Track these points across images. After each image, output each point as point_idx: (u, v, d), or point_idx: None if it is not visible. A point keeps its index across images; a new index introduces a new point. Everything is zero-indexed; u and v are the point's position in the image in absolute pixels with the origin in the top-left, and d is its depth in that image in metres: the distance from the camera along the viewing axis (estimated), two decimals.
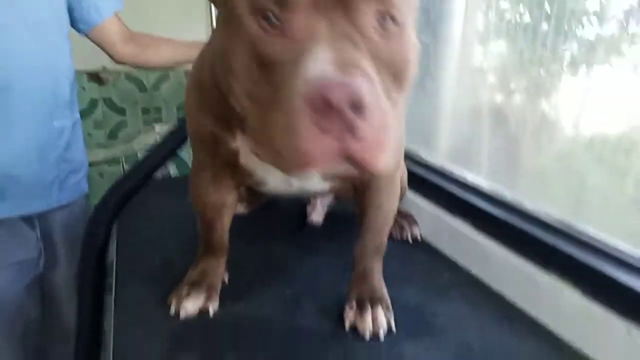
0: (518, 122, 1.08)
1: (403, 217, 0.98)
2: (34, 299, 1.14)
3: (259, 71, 0.42)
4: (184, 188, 0.78)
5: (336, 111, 0.36)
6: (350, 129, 0.37)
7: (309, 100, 0.37)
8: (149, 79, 2.18)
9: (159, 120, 2.27)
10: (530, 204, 0.80)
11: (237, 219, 0.79)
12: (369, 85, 0.38)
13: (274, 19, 0.41)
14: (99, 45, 1.26)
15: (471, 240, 0.84)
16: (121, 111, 2.17)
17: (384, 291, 0.70)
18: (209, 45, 0.60)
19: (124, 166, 1.44)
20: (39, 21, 1.02)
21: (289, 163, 0.40)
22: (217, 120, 0.60)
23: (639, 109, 0.71)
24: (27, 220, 1.09)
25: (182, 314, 0.69)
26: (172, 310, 0.70)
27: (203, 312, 0.70)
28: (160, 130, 1.44)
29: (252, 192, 0.97)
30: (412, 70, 0.47)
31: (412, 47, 0.47)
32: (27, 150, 1.03)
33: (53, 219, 1.13)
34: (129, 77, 2.12)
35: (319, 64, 0.38)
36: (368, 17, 0.42)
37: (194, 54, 1.39)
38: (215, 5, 0.50)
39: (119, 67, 1.59)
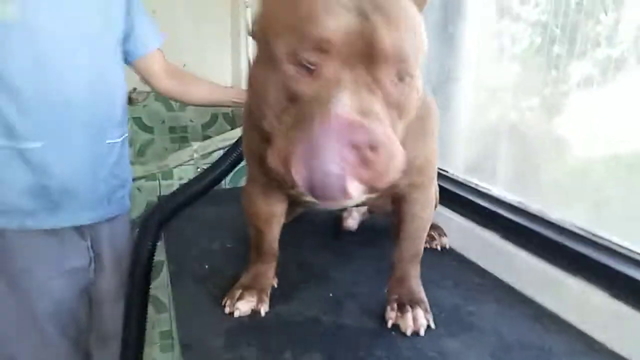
0: (533, 139, 1.15)
1: (433, 228, 1.04)
2: (83, 305, 1.21)
3: (287, 102, 0.51)
4: (228, 198, 0.85)
5: (355, 147, 0.45)
6: (364, 163, 0.45)
7: (336, 133, 0.45)
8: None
9: (185, 138, 2.37)
10: (552, 214, 0.86)
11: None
12: (382, 129, 0.47)
13: (308, 65, 0.49)
14: (142, 76, 1.35)
15: (497, 248, 0.90)
16: (150, 130, 2.28)
17: (422, 294, 0.76)
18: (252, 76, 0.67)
19: (160, 182, 1.51)
20: (95, 39, 1.10)
21: (315, 189, 0.47)
22: (262, 140, 0.66)
23: None
24: (79, 230, 1.16)
25: (236, 314, 0.75)
26: (227, 310, 0.76)
27: (255, 312, 0.76)
28: (197, 147, 1.51)
29: (291, 204, 1.04)
30: (414, 106, 0.56)
31: (417, 91, 0.56)
32: (82, 165, 1.11)
33: (101, 231, 1.20)
34: (157, 97, 2.23)
35: (346, 106, 0.46)
36: (388, 74, 0.50)
37: (228, 97, 1.47)
38: (256, 44, 0.58)
39: (148, 88, 1.68)
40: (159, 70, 1.33)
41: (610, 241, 0.76)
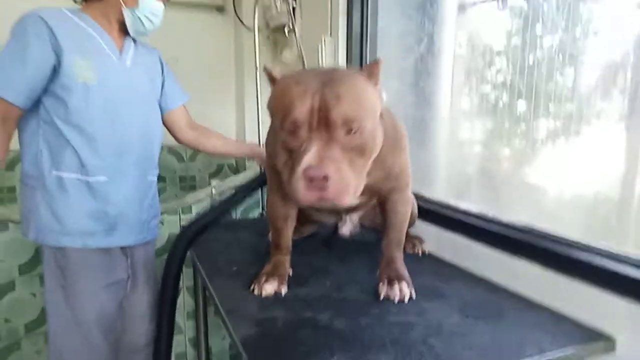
0: (503, 184, 1.38)
1: (414, 237, 1.29)
2: (120, 316, 1.40)
3: (285, 153, 0.82)
4: (239, 226, 1.09)
5: (315, 180, 0.74)
6: (322, 188, 0.74)
7: (302, 175, 0.74)
8: (186, 152, 2.57)
9: (193, 187, 2.63)
10: (506, 217, 1.12)
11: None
12: (332, 166, 0.75)
13: (292, 130, 0.79)
14: (167, 127, 1.61)
15: (463, 246, 1.15)
16: (162, 179, 2.54)
17: (406, 272, 1.00)
18: (269, 132, 0.99)
19: (180, 216, 1.75)
20: (146, 98, 1.41)
21: (296, 198, 0.77)
22: (276, 168, 0.94)
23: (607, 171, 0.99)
24: (123, 250, 1.39)
25: (263, 294, 0.98)
26: (256, 291, 0.99)
27: (277, 292, 0.99)
28: (215, 185, 1.77)
29: (302, 223, 1.30)
30: (369, 147, 0.82)
31: (369, 137, 0.81)
32: (133, 195, 1.37)
33: (138, 252, 1.44)
34: (170, 150, 2.51)
35: (309, 158, 0.75)
36: (340, 131, 0.77)
37: (240, 151, 1.74)
38: (270, 116, 0.90)
39: (162, 142, 1.95)
40: (183, 123, 1.60)
41: (543, 230, 1.01)
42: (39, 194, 1.27)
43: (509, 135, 1.35)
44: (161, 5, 1.38)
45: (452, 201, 1.33)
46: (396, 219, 1.03)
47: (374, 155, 0.85)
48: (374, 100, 0.84)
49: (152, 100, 1.45)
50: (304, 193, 0.76)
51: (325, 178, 0.74)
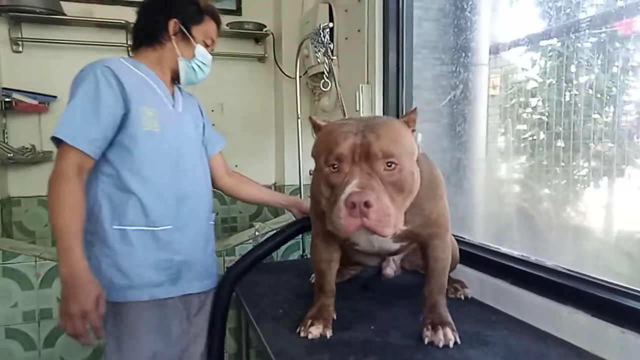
0: (544, 224, 1.36)
1: (456, 282, 1.29)
2: None
3: (329, 189, 0.88)
4: (280, 268, 1.13)
5: (357, 207, 0.79)
6: (363, 214, 0.79)
7: (345, 202, 0.80)
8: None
9: (234, 228, 2.71)
10: (548, 262, 1.11)
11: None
12: (373, 194, 0.80)
13: (335, 166, 0.86)
14: None
15: (508, 293, 1.15)
16: None
17: (449, 317, 1.01)
18: (313, 179, 1.03)
19: (225, 258, 1.82)
20: (198, 145, 1.47)
21: (338, 230, 0.82)
22: (320, 210, 0.99)
23: None
24: (182, 299, 1.36)
25: (309, 337, 1.01)
26: (302, 334, 1.02)
27: (322, 336, 1.01)
28: (259, 227, 1.83)
29: (345, 265, 1.33)
30: (408, 184, 0.86)
31: (407, 174, 0.86)
32: (197, 242, 1.39)
33: (195, 302, 1.41)
34: (214, 194, 2.61)
35: (351, 187, 0.81)
36: (380, 164, 0.84)
37: (274, 200, 1.79)
38: (314, 161, 0.95)
39: None
40: (221, 169, 1.64)
41: (591, 276, 1.01)
42: (97, 250, 1.25)
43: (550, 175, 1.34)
44: (211, 57, 1.46)
45: (493, 244, 1.33)
46: (437, 265, 1.04)
47: (412, 195, 0.89)
48: (412, 143, 0.91)
49: (201, 146, 1.50)
50: (345, 222, 0.80)
51: (367, 204, 0.78)
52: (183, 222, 1.35)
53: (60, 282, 1.11)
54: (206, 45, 1.43)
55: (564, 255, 1.22)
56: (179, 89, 1.49)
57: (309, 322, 1.04)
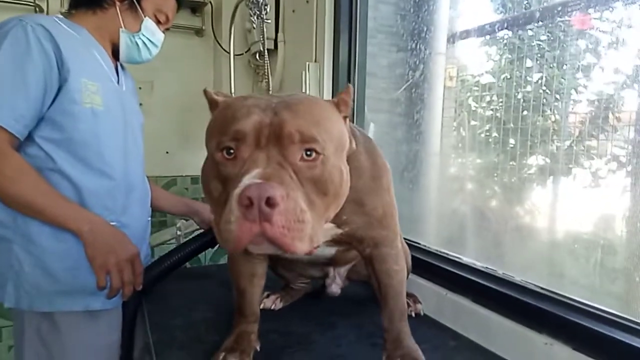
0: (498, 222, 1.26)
1: (408, 296, 1.09)
2: None
3: (219, 185, 0.61)
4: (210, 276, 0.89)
5: (254, 206, 0.52)
6: (265, 217, 0.52)
7: (238, 199, 0.53)
8: (159, 183, 2.36)
9: (164, 222, 2.41)
10: (518, 277, 0.93)
11: None
12: (282, 188, 0.54)
13: (231, 151, 0.60)
14: None
15: (471, 312, 0.96)
16: None
17: (419, 352, 0.79)
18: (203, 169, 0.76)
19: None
20: (141, 132, 1.26)
21: (227, 243, 0.56)
22: None
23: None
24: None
25: None
26: None
27: None
28: (181, 225, 1.56)
29: (293, 281, 1.11)
30: (334, 184, 0.62)
31: (333, 169, 0.62)
32: (140, 241, 1.16)
33: None
34: None
35: (249, 178, 0.55)
36: (295, 151, 0.59)
37: (173, 205, 1.47)
38: (207, 149, 0.68)
39: None
40: None
41: (572, 298, 0.83)
42: (18, 247, 1.03)
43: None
44: (162, 35, 1.23)
45: (452, 252, 1.14)
46: (392, 282, 0.81)
47: (338, 201, 0.65)
48: (342, 131, 0.67)
49: (142, 132, 1.28)
50: (237, 228, 0.53)
51: (271, 202, 0.52)
52: (128, 218, 1.13)
53: (84, 245, 0.99)
54: (158, 22, 1.20)
55: (512, 256, 1.13)
56: (120, 64, 1.25)
57: (222, 355, 0.80)
